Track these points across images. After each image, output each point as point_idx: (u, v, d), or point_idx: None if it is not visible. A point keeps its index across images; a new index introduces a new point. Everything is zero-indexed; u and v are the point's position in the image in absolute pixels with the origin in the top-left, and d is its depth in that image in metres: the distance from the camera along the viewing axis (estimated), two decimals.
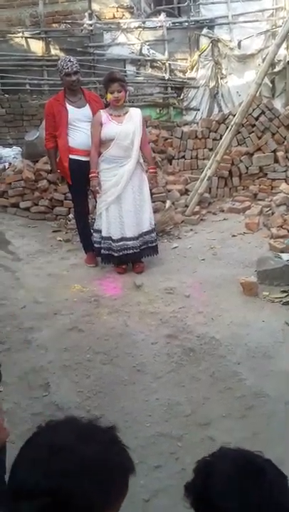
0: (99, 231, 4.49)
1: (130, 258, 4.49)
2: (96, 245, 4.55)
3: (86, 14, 8.66)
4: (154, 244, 4.55)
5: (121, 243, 4.39)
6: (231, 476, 0.96)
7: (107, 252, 4.46)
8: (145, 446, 2.54)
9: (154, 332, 3.55)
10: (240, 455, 1.02)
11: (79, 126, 4.46)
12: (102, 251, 4.47)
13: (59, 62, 4.49)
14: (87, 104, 4.50)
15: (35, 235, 5.64)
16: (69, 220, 5.77)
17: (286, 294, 3.90)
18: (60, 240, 5.46)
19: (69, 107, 4.45)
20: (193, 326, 3.58)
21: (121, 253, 4.41)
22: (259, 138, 6.42)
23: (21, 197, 6.12)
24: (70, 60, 4.40)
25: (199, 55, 8.62)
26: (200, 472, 1.01)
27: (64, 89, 4.55)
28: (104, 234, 4.43)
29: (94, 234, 4.57)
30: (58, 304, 4.04)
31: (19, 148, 7.03)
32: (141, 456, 2.43)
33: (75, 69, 4.37)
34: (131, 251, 4.42)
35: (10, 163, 6.58)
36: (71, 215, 5.62)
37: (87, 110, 4.48)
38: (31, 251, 5.18)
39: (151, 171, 4.47)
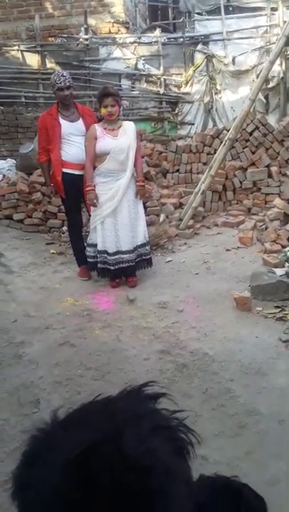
0: (93, 245, 4.47)
1: (126, 271, 4.47)
2: (90, 260, 4.52)
3: (82, 29, 8.75)
4: (148, 256, 4.55)
5: (116, 256, 4.37)
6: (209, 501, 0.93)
7: (103, 265, 4.43)
8: None
9: (146, 347, 3.51)
10: (217, 480, 1.00)
11: (72, 140, 4.47)
12: (99, 265, 4.45)
13: (52, 76, 4.51)
14: (81, 119, 4.51)
15: (28, 247, 5.61)
16: (62, 233, 5.75)
17: (279, 310, 3.88)
18: (53, 253, 5.44)
19: (62, 121, 4.46)
20: (186, 342, 3.54)
21: (117, 266, 4.39)
22: (253, 153, 6.46)
23: (15, 209, 6.10)
24: (63, 75, 4.42)
25: (194, 71, 8.71)
26: None
27: (57, 103, 4.56)
28: (99, 248, 4.41)
29: (88, 248, 4.55)
30: (50, 318, 4.00)
31: (13, 161, 7.03)
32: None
33: (67, 83, 4.38)
34: (126, 264, 4.40)
35: (4, 175, 6.58)
36: (65, 228, 5.61)
37: (80, 124, 4.49)
38: (24, 263, 5.14)
39: (138, 184, 4.45)
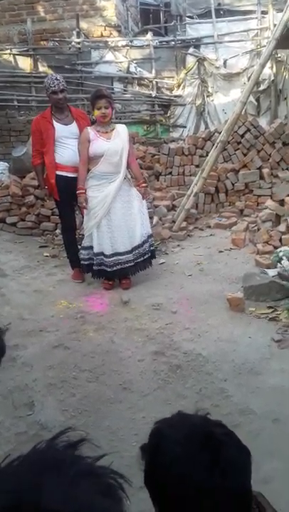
0: (88, 248, 4.47)
1: (123, 272, 4.46)
2: (84, 262, 4.52)
3: (74, 32, 8.77)
4: (146, 256, 4.50)
5: (114, 258, 4.36)
6: (182, 451, 0.90)
7: (98, 267, 4.43)
8: (131, 465, 2.49)
9: (140, 349, 3.53)
10: (197, 424, 0.98)
11: (66, 143, 4.48)
12: (94, 267, 4.44)
13: (46, 80, 4.53)
14: (74, 122, 4.53)
15: (21, 250, 5.61)
16: (56, 236, 5.75)
17: (272, 310, 3.91)
18: (46, 256, 5.44)
19: (56, 124, 4.48)
20: (180, 343, 3.56)
21: (114, 268, 4.39)
22: (245, 155, 6.51)
23: (8, 212, 6.10)
24: (56, 79, 4.43)
25: (186, 74, 8.77)
26: (154, 436, 0.98)
27: (51, 106, 4.58)
28: (96, 250, 4.40)
29: (82, 251, 4.55)
30: (44, 320, 4.00)
31: (6, 164, 7.02)
32: (126, 476, 2.39)
33: (61, 87, 4.40)
34: (125, 265, 4.40)
35: None
36: (58, 231, 5.61)
37: (74, 127, 4.51)
38: (17, 266, 5.14)
39: (142, 186, 4.46)
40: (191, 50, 8.89)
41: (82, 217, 4.66)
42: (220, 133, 6.12)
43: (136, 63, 8.84)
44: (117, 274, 4.46)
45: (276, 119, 7.56)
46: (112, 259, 4.36)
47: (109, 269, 4.39)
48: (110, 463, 0.63)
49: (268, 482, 2.29)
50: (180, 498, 0.89)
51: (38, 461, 0.59)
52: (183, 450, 0.90)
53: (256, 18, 8.91)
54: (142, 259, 4.47)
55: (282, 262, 4.44)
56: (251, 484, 0.96)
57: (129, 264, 4.41)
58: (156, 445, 0.95)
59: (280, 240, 5.09)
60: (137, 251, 4.42)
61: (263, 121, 7.69)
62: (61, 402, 3.00)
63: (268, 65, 7.42)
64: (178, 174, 6.79)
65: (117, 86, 8.89)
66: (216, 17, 9.14)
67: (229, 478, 0.88)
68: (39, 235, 5.96)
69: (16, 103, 8.62)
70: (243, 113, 6.30)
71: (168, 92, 8.93)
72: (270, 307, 3.95)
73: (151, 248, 4.57)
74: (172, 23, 9.77)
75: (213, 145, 6.15)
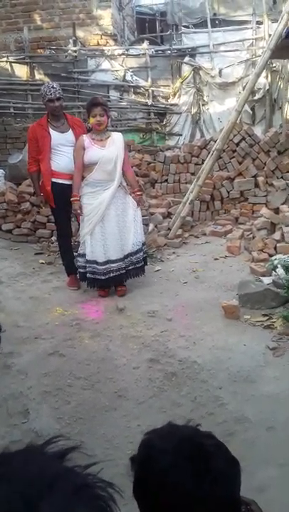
0: (83, 255, 4.48)
1: (116, 280, 4.47)
2: (80, 270, 4.52)
3: (70, 41, 8.81)
4: (140, 264, 4.51)
5: (106, 266, 4.37)
6: (172, 461, 0.90)
7: (92, 276, 4.43)
8: (125, 474, 2.49)
9: (136, 356, 3.53)
10: (187, 436, 0.98)
11: (62, 150, 4.50)
12: (88, 275, 4.44)
13: (42, 88, 4.56)
14: (70, 129, 4.56)
15: (17, 257, 5.61)
16: (52, 243, 5.76)
17: (267, 318, 3.92)
18: (42, 263, 5.44)
19: (52, 131, 4.50)
20: (175, 350, 3.56)
21: (107, 276, 4.39)
22: (240, 163, 6.55)
23: (3, 219, 6.10)
24: (53, 87, 4.46)
25: (181, 82, 8.82)
26: (144, 447, 0.98)
27: (47, 114, 4.60)
28: (88, 258, 4.41)
29: (78, 258, 4.55)
30: (39, 327, 3.99)
31: (2, 171, 7.03)
32: (121, 485, 2.38)
33: (58, 95, 4.43)
34: (117, 273, 4.40)
35: None
36: (54, 238, 5.62)
37: (70, 135, 4.53)
38: (13, 273, 5.13)
39: (137, 194, 4.49)
40: (186, 59, 8.95)
41: (78, 224, 4.67)
42: (215, 141, 6.17)
43: (132, 72, 8.89)
44: (111, 281, 4.46)
45: (271, 128, 7.62)
46: (104, 266, 4.36)
47: (103, 277, 4.39)
48: (100, 470, 0.61)
49: (263, 490, 2.29)
50: (169, 508, 0.90)
51: (29, 481, 0.54)
52: (173, 460, 0.91)
53: (251, 28, 9.00)
54: (134, 266, 4.48)
55: (277, 269, 4.46)
56: (240, 493, 0.98)
57: (121, 272, 4.41)
58: (146, 456, 0.96)
59: (275, 247, 5.11)
60: (128, 259, 4.43)
61: (258, 130, 7.74)
62: (56, 409, 2.99)
63: (263, 74, 7.49)
64: (173, 182, 6.83)
65: (113, 94, 8.93)
66: (211, 27, 9.22)
67: (218, 488, 0.89)
68: (35, 242, 5.96)
69: (12, 110, 8.64)
70: (238, 122, 6.35)
71: (164, 101, 8.98)
72: (265, 315, 3.96)
73: (144, 255, 4.57)
74: (168, 33, 9.84)
75: (209, 153, 6.20)
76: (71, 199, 4.35)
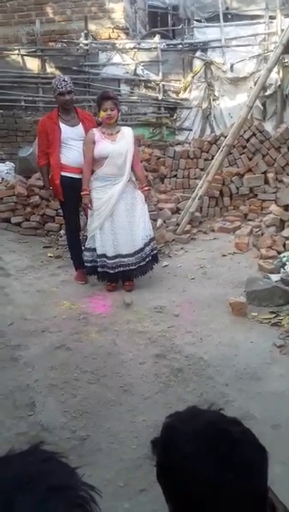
0: (91, 249, 4.48)
1: (126, 275, 4.47)
2: (87, 264, 4.52)
3: (82, 34, 8.80)
4: (148, 259, 4.47)
5: (116, 260, 4.37)
6: (194, 446, 0.87)
7: (102, 269, 4.44)
8: (130, 468, 2.51)
9: (142, 351, 3.53)
10: (212, 421, 0.94)
11: (72, 144, 4.50)
12: (99, 269, 4.44)
13: (53, 81, 4.55)
14: (81, 123, 4.55)
15: (25, 250, 5.63)
16: (60, 237, 5.77)
17: (274, 315, 3.91)
18: (50, 256, 5.45)
19: (62, 125, 4.50)
20: (181, 346, 3.57)
21: (116, 270, 4.39)
22: (250, 159, 6.51)
23: (13, 212, 6.12)
24: (64, 80, 4.46)
25: (192, 77, 8.78)
26: (167, 430, 0.95)
27: (58, 107, 4.60)
28: (98, 252, 4.41)
29: (85, 252, 4.55)
30: (47, 321, 4.01)
31: (12, 164, 7.05)
32: (126, 479, 2.40)
33: (69, 88, 4.42)
34: (127, 268, 4.40)
35: (3, 179, 6.59)
36: (62, 232, 5.63)
37: (80, 129, 4.53)
38: (21, 266, 5.16)
39: (145, 189, 4.48)
40: (198, 53, 8.90)
41: (87, 218, 4.67)
42: (225, 137, 6.13)
43: (143, 66, 8.86)
44: (120, 276, 4.47)
45: (282, 124, 7.55)
46: (114, 260, 4.37)
47: (111, 271, 4.40)
48: (82, 475, 0.65)
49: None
50: (192, 495, 0.87)
51: (8, 479, 0.60)
52: (194, 445, 0.88)
53: (264, 22, 8.91)
54: (144, 262, 4.47)
55: (286, 267, 4.44)
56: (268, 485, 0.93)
57: (132, 267, 4.41)
58: (168, 440, 0.93)
59: (284, 245, 5.09)
60: (139, 255, 4.42)
61: (268, 126, 7.68)
62: (62, 403, 3.01)
63: (275, 70, 7.42)
64: (183, 177, 6.80)
65: (124, 88, 8.91)
66: (223, 21, 9.16)
67: (243, 477, 0.85)
68: (43, 236, 5.98)
69: (23, 103, 8.65)
70: (249, 117, 6.30)
71: (174, 95, 8.95)
72: (272, 312, 3.95)
73: (154, 252, 4.55)
74: (180, 27, 9.79)
75: (219, 149, 6.16)
76: (81, 193, 4.35)
